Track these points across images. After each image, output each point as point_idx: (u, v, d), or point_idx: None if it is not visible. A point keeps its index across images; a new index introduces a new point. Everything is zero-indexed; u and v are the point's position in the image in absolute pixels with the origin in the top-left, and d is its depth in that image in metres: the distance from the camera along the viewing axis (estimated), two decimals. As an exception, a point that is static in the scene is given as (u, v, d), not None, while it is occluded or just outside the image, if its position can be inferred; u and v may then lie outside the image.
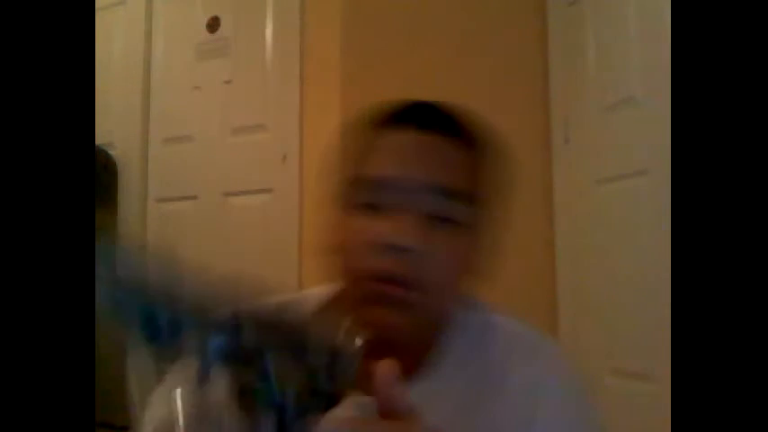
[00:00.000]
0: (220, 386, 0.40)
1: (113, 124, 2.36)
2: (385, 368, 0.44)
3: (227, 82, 2.20)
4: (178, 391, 0.42)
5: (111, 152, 2.37)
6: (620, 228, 1.80)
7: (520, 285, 2.00)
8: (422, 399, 0.62)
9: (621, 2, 1.84)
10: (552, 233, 2.08)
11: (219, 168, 2.19)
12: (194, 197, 2.25)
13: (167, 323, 0.41)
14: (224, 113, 2.20)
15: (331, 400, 0.42)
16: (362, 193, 0.61)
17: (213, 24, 2.26)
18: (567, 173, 2.06)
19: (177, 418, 0.41)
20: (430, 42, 2.01)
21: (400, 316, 0.59)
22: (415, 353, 0.64)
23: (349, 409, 0.44)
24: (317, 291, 0.70)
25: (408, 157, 0.61)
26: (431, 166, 0.60)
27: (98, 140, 2.17)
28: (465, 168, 0.62)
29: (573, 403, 0.65)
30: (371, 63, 1.92)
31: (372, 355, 0.62)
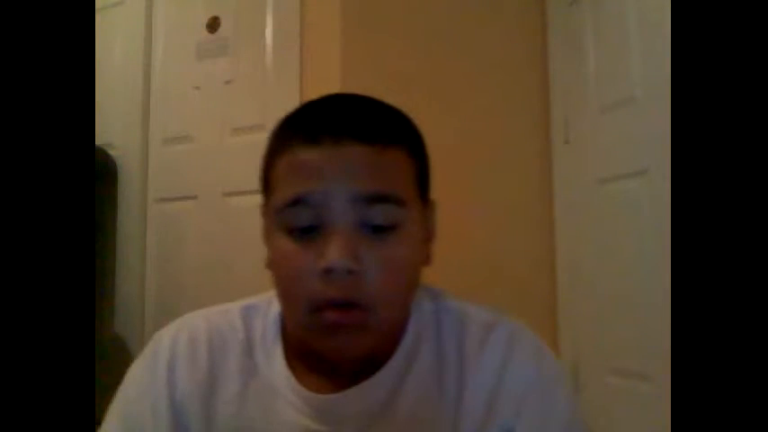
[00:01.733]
0: None
1: (113, 124, 2.36)
2: None
3: (227, 82, 2.20)
4: None
5: (111, 152, 2.37)
6: (620, 228, 1.80)
7: (520, 285, 2.00)
8: (386, 396, 0.63)
9: (621, 2, 1.84)
10: (552, 233, 2.08)
11: (219, 168, 2.18)
12: (194, 197, 2.25)
13: None
14: (224, 113, 2.20)
15: None
16: (287, 218, 0.59)
17: (213, 24, 2.26)
18: (567, 173, 2.06)
19: None
20: (430, 42, 2.01)
21: (359, 338, 0.58)
22: (375, 355, 0.64)
23: None
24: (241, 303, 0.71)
25: (327, 170, 0.58)
26: (350, 176, 0.58)
27: (98, 140, 2.17)
28: (383, 169, 0.59)
29: (540, 386, 0.63)
30: (371, 63, 1.91)
31: (333, 365, 0.63)
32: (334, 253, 0.56)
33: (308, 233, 0.58)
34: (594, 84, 1.94)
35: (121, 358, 2.26)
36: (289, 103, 2.03)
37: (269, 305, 0.69)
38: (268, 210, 0.63)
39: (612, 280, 1.82)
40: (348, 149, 0.58)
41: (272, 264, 0.62)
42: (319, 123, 0.61)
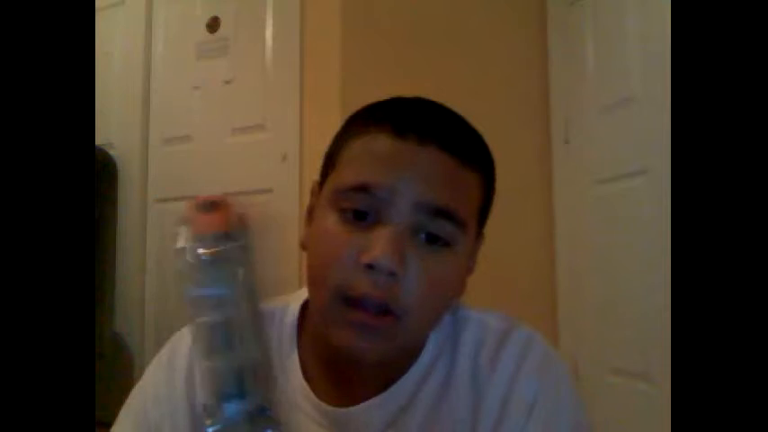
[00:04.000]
0: None
1: (113, 124, 2.36)
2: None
3: (227, 82, 2.20)
4: None
5: (111, 152, 2.37)
6: (619, 228, 1.80)
7: (520, 285, 2.00)
8: (402, 406, 0.61)
9: (621, 2, 1.84)
10: (552, 233, 2.08)
11: (219, 168, 2.18)
12: (194, 197, 2.25)
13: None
14: (224, 113, 2.20)
15: None
16: (346, 200, 0.56)
17: (213, 24, 2.26)
18: (566, 173, 2.06)
19: None
20: (430, 42, 2.01)
21: (381, 344, 0.56)
22: (391, 364, 0.62)
23: None
24: (302, 294, 0.67)
25: (403, 167, 0.55)
26: (424, 180, 0.55)
27: (98, 140, 2.17)
28: (457, 185, 0.57)
29: (549, 393, 0.62)
30: (371, 63, 1.92)
31: (342, 367, 0.61)
32: (381, 249, 0.53)
33: (361, 220, 0.55)
34: (594, 84, 1.94)
35: (121, 358, 2.26)
36: (289, 103, 2.05)
37: (284, 311, 0.67)
38: (324, 188, 0.60)
39: (612, 280, 1.82)
40: (431, 153, 0.56)
41: (309, 241, 0.59)
42: (410, 118, 0.58)
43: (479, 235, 0.63)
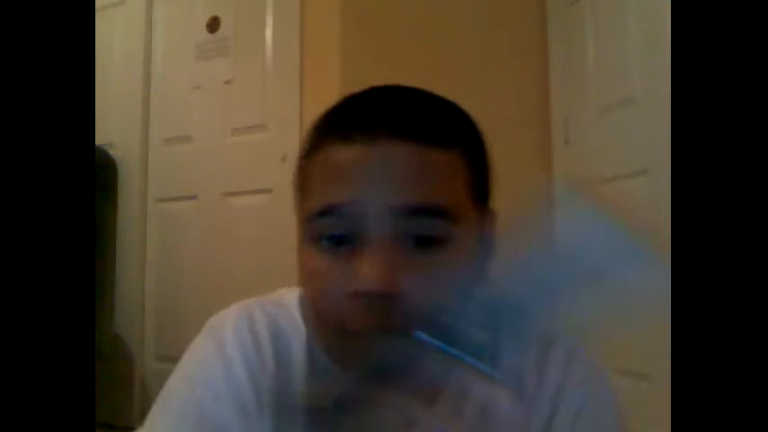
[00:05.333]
0: None
1: (113, 124, 2.36)
2: None
3: (227, 82, 2.21)
4: None
5: (111, 152, 2.37)
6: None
7: (520, 285, 1.99)
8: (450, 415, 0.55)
9: (621, 2, 1.84)
10: (552, 233, 2.08)
11: (219, 168, 2.19)
12: (194, 197, 2.25)
13: None
14: (224, 113, 2.20)
15: None
16: (316, 229, 0.50)
17: (213, 24, 2.26)
18: (566, 173, 2.06)
19: None
20: (430, 42, 2.01)
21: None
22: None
23: None
24: (287, 295, 0.62)
25: (354, 175, 0.49)
26: (389, 180, 0.48)
27: (98, 140, 2.17)
28: (430, 174, 0.49)
29: (593, 403, 0.60)
30: (371, 63, 1.91)
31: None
32: (366, 273, 0.47)
33: (339, 245, 0.49)
34: (594, 84, 1.94)
35: (121, 358, 2.26)
36: (289, 103, 2.05)
37: (286, 306, 0.61)
38: (300, 219, 0.54)
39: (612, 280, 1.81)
40: (384, 148, 0.49)
41: (300, 280, 0.54)
42: (351, 117, 0.51)
43: (486, 213, 0.55)
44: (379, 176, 0.48)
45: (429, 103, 0.55)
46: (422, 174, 0.49)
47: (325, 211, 0.49)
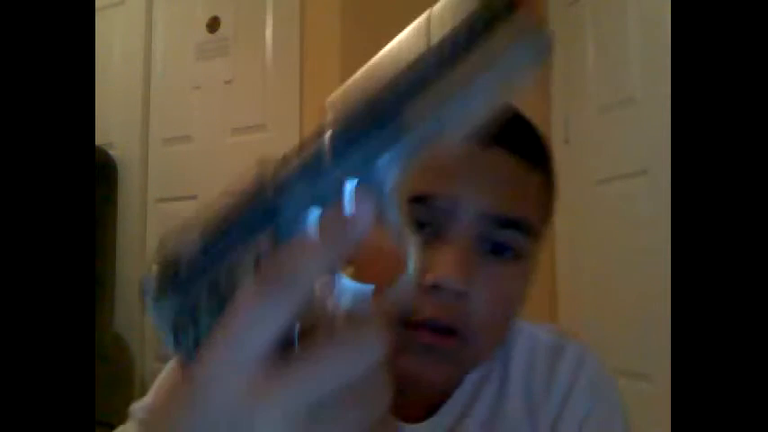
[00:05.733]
0: None
1: (113, 124, 2.36)
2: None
3: (227, 82, 2.21)
4: None
5: (111, 152, 2.37)
6: (619, 228, 1.80)
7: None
8: (445, 429, 0.56)
9: (621, 2, 1.84)
10: (552, 233, 2.08)
11: (219, 168, 2.19)
12: (194, 197, 2.26)
13: None
14: (224, 113, 2.20)
15: None
16: (410, 209, 0.50)
17: (213, 24, 2.26)
18: (567, 173, 2.06)
19: None
20: (430, 42, 2.01)
21: (446, 368, 0.50)
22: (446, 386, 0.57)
23: None
24: None
25: (466, 174, 0.49)
26: (490, 187, 0.49)
27: (98, 140, 2.17)
28: (526, 191, 0.51)
29: (600, 409, 0.61)
30: (371, 63, 1.92)
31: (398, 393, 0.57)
32: (447, 267, 0.47)
33: (431, 236, 0.49)
34: (594, 84, 1.94)
35: (121, 358, 2.26)
36: (289, 103, 2.05)
37: None
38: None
39: (612, 280, 1.82)
40: (496, 157, 0.50)
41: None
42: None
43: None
44: (482, 181, 0.49)
45: (530, 124, 0.56)
46: (520, 188, 0.51)
47: (420, 198, 0.49)
